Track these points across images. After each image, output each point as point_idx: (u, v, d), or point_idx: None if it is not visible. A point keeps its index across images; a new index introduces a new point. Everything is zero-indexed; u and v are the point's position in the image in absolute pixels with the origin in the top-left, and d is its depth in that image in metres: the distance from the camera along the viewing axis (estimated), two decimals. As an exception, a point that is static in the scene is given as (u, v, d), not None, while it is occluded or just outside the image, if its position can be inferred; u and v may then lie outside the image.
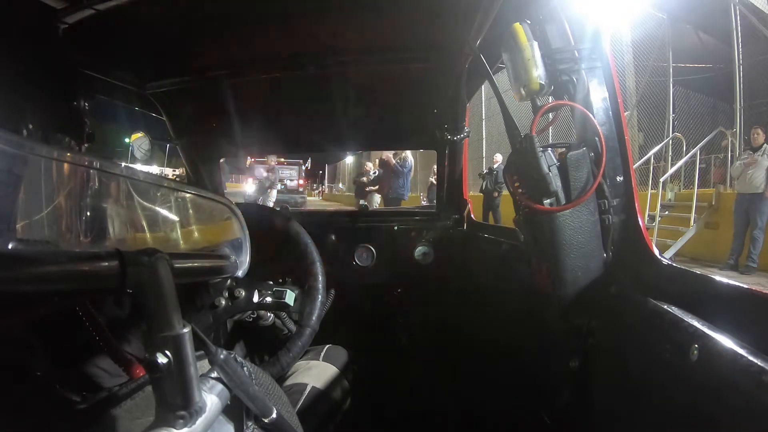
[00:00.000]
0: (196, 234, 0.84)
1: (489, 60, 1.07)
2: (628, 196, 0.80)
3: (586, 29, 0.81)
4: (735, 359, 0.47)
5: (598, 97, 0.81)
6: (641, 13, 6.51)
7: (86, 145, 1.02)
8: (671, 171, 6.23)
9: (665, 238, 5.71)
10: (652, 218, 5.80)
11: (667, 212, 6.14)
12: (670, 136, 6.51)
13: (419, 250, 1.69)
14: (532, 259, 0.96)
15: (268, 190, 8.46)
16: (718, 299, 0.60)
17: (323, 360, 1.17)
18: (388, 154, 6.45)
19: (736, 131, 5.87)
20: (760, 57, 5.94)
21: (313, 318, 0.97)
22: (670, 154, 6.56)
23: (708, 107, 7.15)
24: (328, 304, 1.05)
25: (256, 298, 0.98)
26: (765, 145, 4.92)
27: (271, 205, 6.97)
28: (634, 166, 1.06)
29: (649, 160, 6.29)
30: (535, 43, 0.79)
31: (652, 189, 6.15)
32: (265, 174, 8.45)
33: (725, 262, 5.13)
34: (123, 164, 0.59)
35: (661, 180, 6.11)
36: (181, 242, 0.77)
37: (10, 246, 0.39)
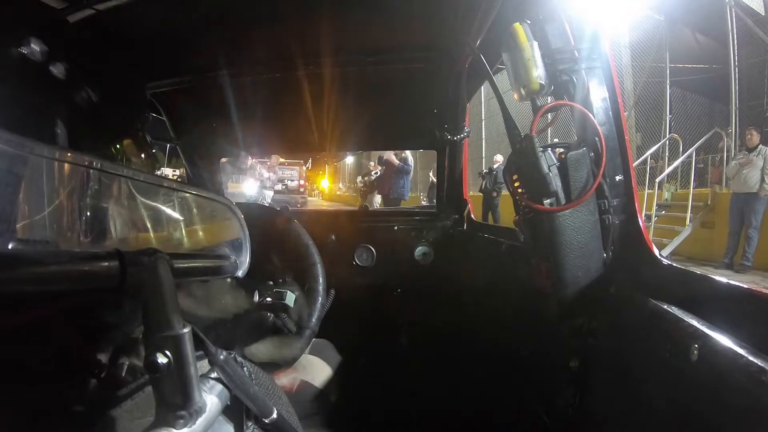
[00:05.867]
0: (196, 234, 0.84)
1: (489, 60, 1.07)
2: (628, 196, 0.80)
3: (586, 29, 0.81)
4: (735, 359, 0.47)
5: (598, 97, 0.81)
6: (639, 14, 6.54)
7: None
8: (668, 171, 6.27)
9: (661, 237, 5.74)
10: (648, 218, 5.83)
11: (663, 212, 6.17)
12: (667, 136, 6.55)
13: (419, 250, 1.69)
14: (532, 259, 0.96)
15: (264, 190, 8.41)
16: (717, 299, 0.60)
17: (323, 360, 1.16)
18: (390, 154, 6.44)
19: (731, 132, 5.91)
20: (755, 59, 5.98)
21: (313, 320, 0.97)
22: (667, 154, 6.59)
23: (704, 108, 7.17)
24: (328, 305, 1.05)
25: (256, 298, 0.98)
26: (760, 145, 4.96)
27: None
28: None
29: (646, 160, 6.32)
30: (535, 43, 0.79)
31: (648, 189, 6.18)
32: (266, 174, 8.41)
33: (720, 260, 5.17)
34: (123, 164, 0.59)
35: (657, 180, 6.14)
36: (181, 242, 0.77)
37: (10, 246, 0.39)
